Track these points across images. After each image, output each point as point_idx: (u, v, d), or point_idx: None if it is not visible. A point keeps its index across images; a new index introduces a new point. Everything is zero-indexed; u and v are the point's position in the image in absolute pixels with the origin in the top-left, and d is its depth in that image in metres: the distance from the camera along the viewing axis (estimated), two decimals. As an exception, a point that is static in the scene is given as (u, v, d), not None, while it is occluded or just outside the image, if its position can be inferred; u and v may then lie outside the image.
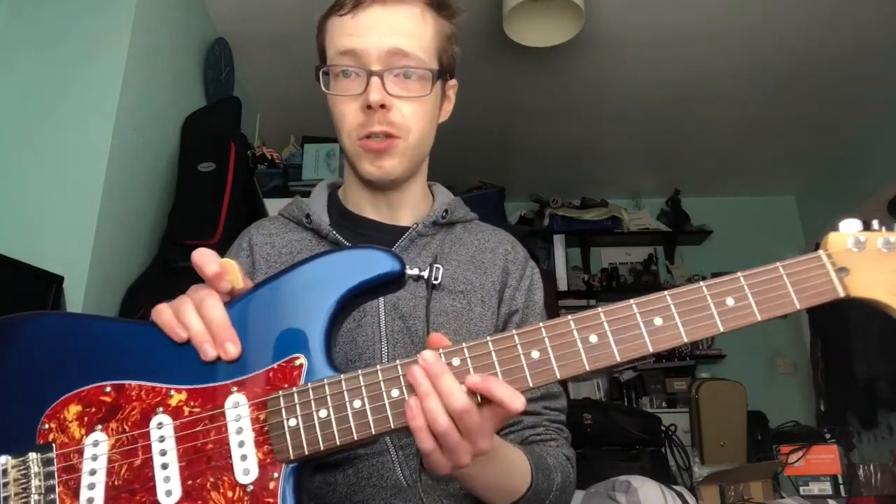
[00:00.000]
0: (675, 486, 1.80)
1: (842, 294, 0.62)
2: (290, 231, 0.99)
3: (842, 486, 2.07)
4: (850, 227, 0.64)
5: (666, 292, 0.63)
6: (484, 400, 0.61)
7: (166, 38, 2.25)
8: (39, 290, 1.51)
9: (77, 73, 1.89)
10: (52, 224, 1.75)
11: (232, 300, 0.69)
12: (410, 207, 1.00)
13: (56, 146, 1.83)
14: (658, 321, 0.62)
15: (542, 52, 2.74)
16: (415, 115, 0.91)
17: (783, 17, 2.76)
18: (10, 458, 0.64)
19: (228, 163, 2.21)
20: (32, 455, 0.64)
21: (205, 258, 0.68)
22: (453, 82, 1.01)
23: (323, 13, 0.96)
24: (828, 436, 2.32)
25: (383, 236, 0.96)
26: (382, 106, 0.88)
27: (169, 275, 1.99)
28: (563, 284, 4.22)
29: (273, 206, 2.39)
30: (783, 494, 2.05)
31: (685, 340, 0.62)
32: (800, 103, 3.43)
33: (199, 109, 2.43)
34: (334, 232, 0.95)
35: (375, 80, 0.87)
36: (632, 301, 0.63)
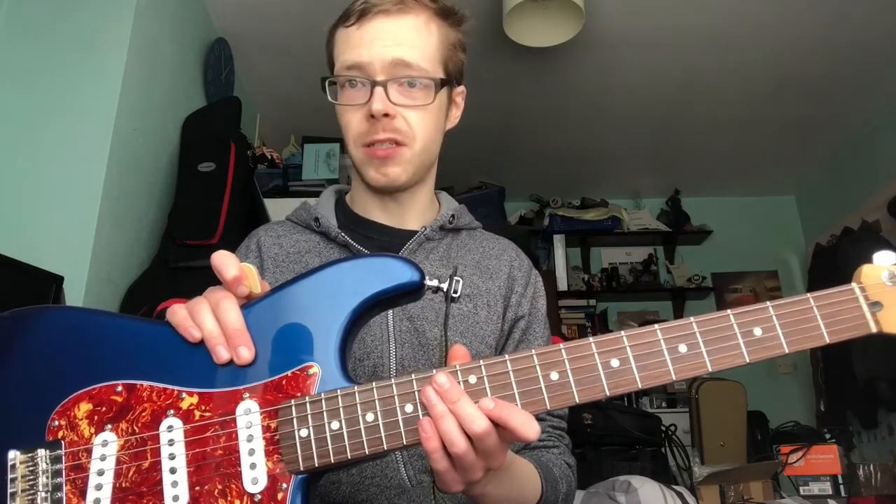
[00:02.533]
0: (675, 486, 1.81)
1: (874, 330, 0.59)
2: (299, 233, 1.00)
3: (842, 486, 2.07)
4: (884, 260, 0.61)
5: (692, 319, 0.61)
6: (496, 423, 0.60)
7: (166, 38, 2.25)
8: (39, 290, 1.51)
9: (77, 73, 1.89)
10: (52, 224, 1.75)
11: (248, 304, 0.68)
12: (418, 212, 1.01)
13: (56, 146, 1.82)
14: (683, 349, 0.60)
15: (542, 53, 2.75)
16: (419, 122, 0.92)
17: (783, 17, 2.76)
18: (19, 453, 0.64)
19: (228, 163, 2.21)
20: (41, 452, 0.63)
21: (224, 261, 0.67)
22: (461, 89, 1.02)
23: (332, 22, 0.97)
24: (828, 436, 2.32)
25: (391, 239, 0.97)
26: (386, 115, 0.89)
27: (169, 275, 1.99)
28: (563, 284, 4.22)
29: (273, 206, 2.39)
30: (783, 494, 2.05)
31: (710, 370, 0.59)
32: (800, 103, 3.43)
33: (199, 109, 2.43)
34: (343, 234, 0.96)
35: (379, 90, 0.89)
36: (656, 326, 0.61)
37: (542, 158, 4.06)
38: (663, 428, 2.37)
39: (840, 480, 2.08)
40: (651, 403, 3.91)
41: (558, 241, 4.30)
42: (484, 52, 2.89)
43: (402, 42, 0.90)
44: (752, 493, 2.05)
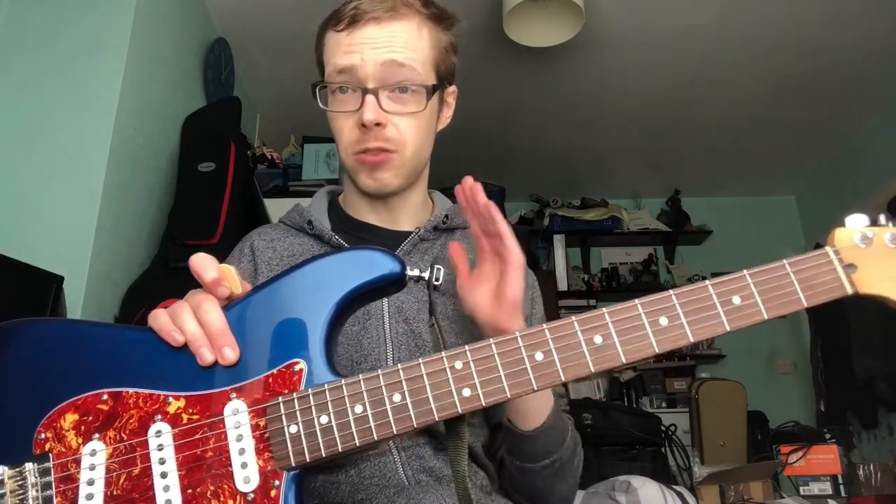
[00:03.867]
0: (675, 486, 1.80)
1: (850, 291, 0.60)
2: (292, 236, 1.00)
3: (842, 486, 2.08)
4: (856, 223, 0.62)
5: (671, 291, 0.62)
6: None
7: (166, 38, 2.25)
8: (39, 290, 1.51)
9: (77, 73, 1.89)
10: (52, 224, 1.75)
11: (230, 304, 0.68)
12: (411, 214, 1.01)
13: (56, 146, 1.82)
14: (663, 321, 0.61)
15: (542, 52, 2.75)
16: (410, 129, 0.92)
17: (783, 17, 2.76)
18: (6, 468, 0.63)
19: (228, 163, 2.21)
20: (29, 465, 0.63)
21: (203, 264, 0.67)
22: (452, 89, 1.01)
23: (321, 22, 0.96)
24: (828, 436, 2.33)
25: (385, 241, 0.97)
26: (378, 124, 0.89)
27: (169, 275, 1.99)
28: (563, 284, 4.22)
29: (273, 206, 2.39)
30: (783, 494, 2.05)
31: (691, 340, 0.61)
32: (800, 103, 3.43)
33: (199, 109, 2.43)
34: (336, 237, 0.96)
35: (370, 98, 0.88)
36: (636, 301, 0.62)
37: (542, 158, 4.06)
38: (663, 428, 2.37)
39: (840, 480, 2.08)
40: (651, 403, 3.91)
41: (558, 241, 4.30)
42: (484, 52, 2.89)
43: (393, 46, 0.89)
44: (752, 493, 2.05)
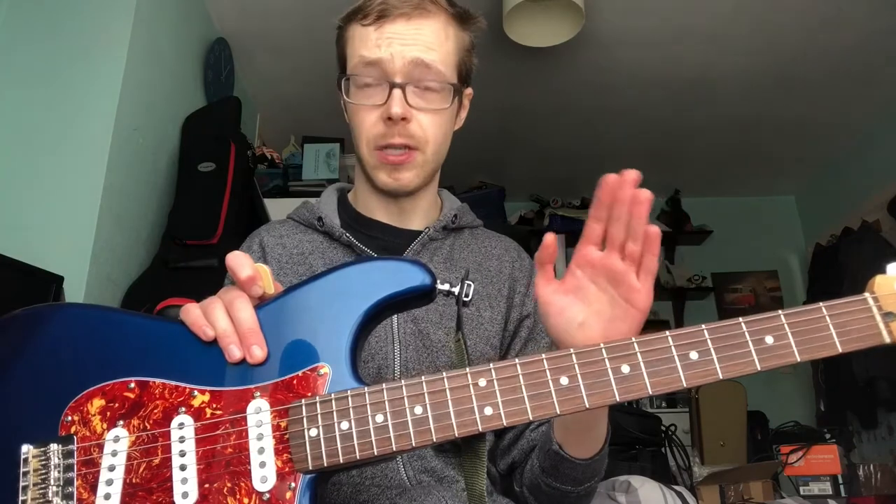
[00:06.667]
0: (675, 486, 1.80)
1: (888, 340, 0.59)
2: (301, 233, 1.00)
3: (842, 486, 2.08)
4: None
5: (703, 326, 0.61)
6: None
7: (166, 38, 2.25)
8: (39, 290, 1.51)
9: (77, 73, 1.89)
10: (52, 224, 1.75)
11: (261, 304, 0.68)
12: (421, 213, 1.01)
13: (56, 146, 1.82)
14: (693, 355, 0.60)
15: (542, 52, 2.75)
16: (433, 126, 0.92)
17: (783, 16, 2.76)
18: (31, 447, 0.65)
19: (228, 163, 2.21)
20: (54, 446, 0.64)
21: (238, 261, 0.68)
22: (469, 91, 1.02)
23: (343, 16, 0.96)
24: (828, 436, 2.33)
25: (395, 240, 0.97)
26: (403, 118, 0.89)
27: (169, 275, 1.99)
28: (563, 285, 4.21)
29: (273, 206, 2.39)
30: (783, 494, 2.05)
31: (720, 377, 0.59)
32: (800, 103, 3.43)
33: (199, 109, 2.43)
34: (346, 234, 0.96)
35: (397, 92, 0.89)
36: (667, 332, 0.61)
37: (542, 158, 4.06)
38: (663, 428, 2.37)
39: (840, 480, 2.09)
40: (651, 403, 3.90)
41: (558, 242, 4.29)
42: (484, 52, 2.87)
43: (422, 44, 0.90)
44: (752, 493, 2.06)
